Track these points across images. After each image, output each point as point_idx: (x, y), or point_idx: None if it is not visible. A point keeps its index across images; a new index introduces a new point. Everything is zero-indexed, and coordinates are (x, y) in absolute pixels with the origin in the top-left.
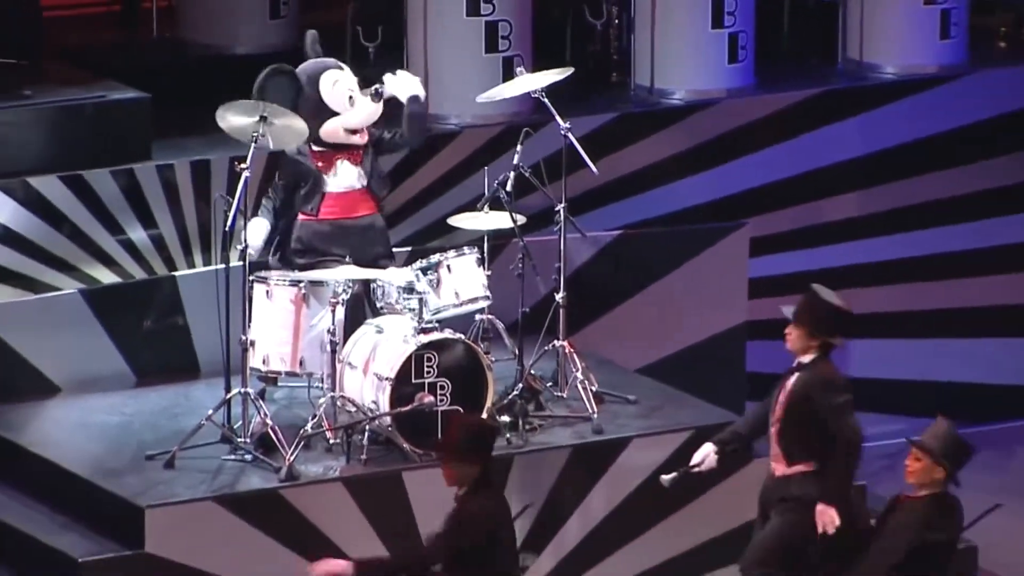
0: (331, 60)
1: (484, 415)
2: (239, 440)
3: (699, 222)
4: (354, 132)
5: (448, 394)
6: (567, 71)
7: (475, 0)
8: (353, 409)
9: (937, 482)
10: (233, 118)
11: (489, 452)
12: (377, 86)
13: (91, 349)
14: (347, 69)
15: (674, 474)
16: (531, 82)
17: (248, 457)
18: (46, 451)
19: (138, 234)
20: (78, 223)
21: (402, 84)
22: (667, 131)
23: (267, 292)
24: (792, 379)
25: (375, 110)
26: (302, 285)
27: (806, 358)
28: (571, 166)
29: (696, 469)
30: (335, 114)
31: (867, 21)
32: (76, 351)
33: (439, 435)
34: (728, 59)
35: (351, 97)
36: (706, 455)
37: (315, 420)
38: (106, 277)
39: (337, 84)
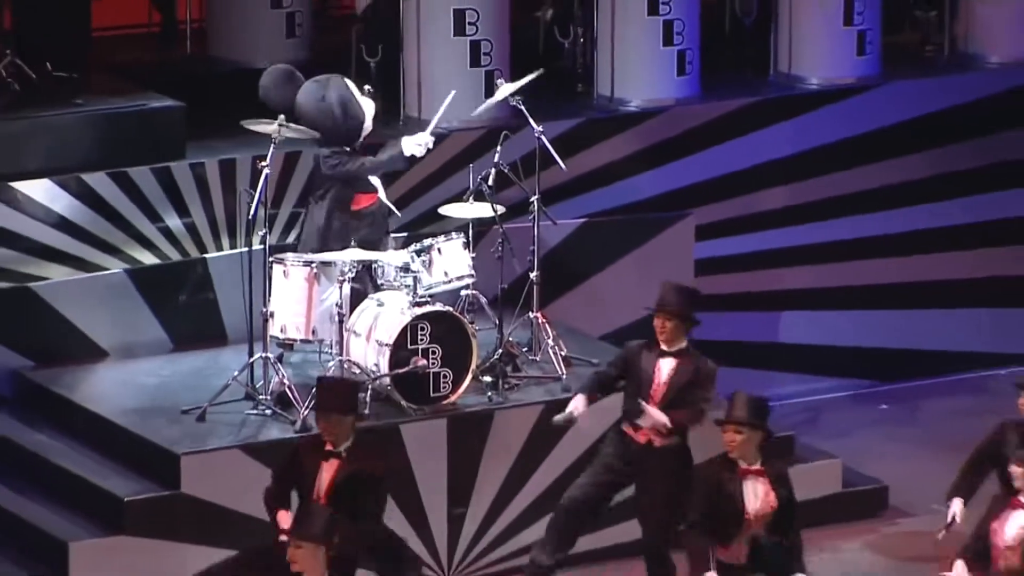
0: (345, 78)
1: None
2: (260, 397)
3: (652, 212)
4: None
5: (439, 358)
6: (539, 72)
7: (461, 22)
8: (358, 371)
9: (759, 447)
10: (262, 127)
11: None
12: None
13: (134, 320)
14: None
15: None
16: (510, 87)
17: (268, 412)
18: (96, 406)
19: (174, 222)
20: (123, 212)
21: (410, 145)
22: (625, 134)
23: (284, 271)
24: (672, 365)
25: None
26: (314, 265)
27: (680, 345)
28: (543, 163)
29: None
30: None
31: (795, 40)
32: (121, 321)
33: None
34: (677, 72)
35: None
36: (578, 404)
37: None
38: (147, 258)
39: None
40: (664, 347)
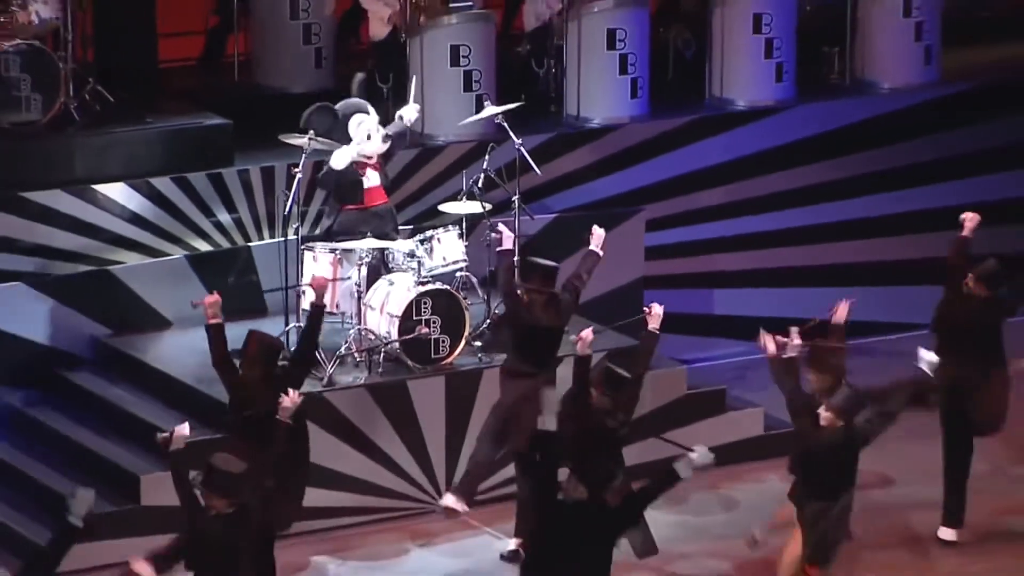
0: (363, 103)
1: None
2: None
3: (611, 208)
4: (368, 157)
5: (438, 327)
6: (519, 103)
7: (456, 55)
8: (373, 337)
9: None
10: (295, 140)
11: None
12: (387, 131)
13: (192, 296)
14: (372, 112)
15: None
16: (495, 110)
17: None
18: (161, 365)
19: (224, 217)
20: (183, 209)
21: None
22: (588, 146)
23: (313, 256)
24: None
25: (382, 147)
26: (337, 252)
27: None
28: (522, 170)
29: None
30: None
31: (725, 70)
32: (182, 297)
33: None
34: (631, 96)
35: (368, 135)
36: None
37: (347, 345)
38: (202, 246)
39: (360, 124)
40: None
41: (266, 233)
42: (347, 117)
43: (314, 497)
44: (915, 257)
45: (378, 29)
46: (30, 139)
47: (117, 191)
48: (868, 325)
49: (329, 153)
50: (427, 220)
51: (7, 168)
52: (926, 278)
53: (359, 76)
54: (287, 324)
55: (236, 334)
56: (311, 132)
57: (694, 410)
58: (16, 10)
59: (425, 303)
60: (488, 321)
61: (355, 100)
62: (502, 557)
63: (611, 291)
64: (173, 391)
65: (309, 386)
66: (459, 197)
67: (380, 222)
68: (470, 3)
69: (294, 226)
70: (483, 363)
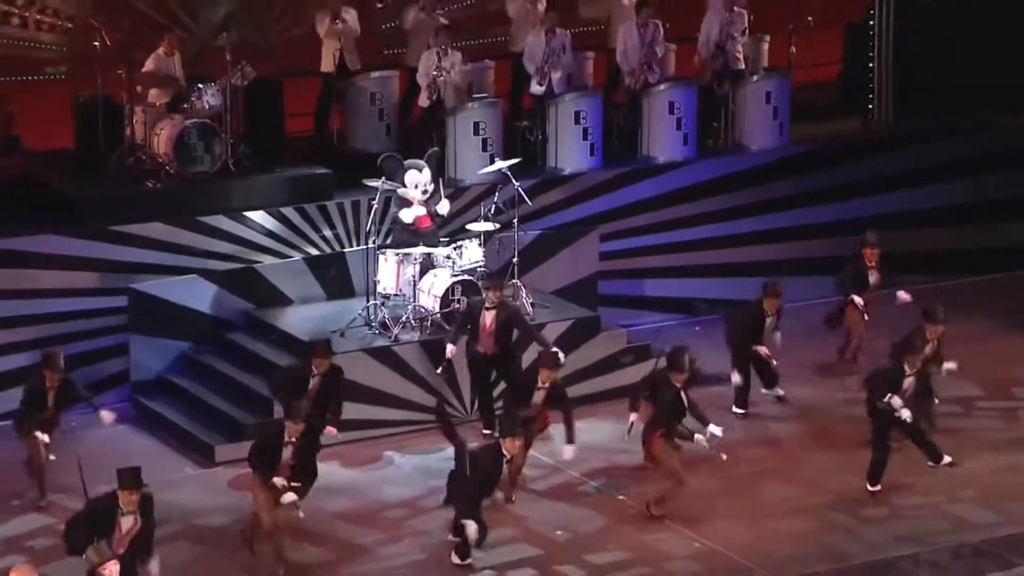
0: (420, 163)
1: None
2: (373, 324)
3: (576, 227)
4: (409, 202)
5: (464, 304)
6: (517, 159)
7: (476, 128)
8: (423, 310)
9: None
10: (373, 183)
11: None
12: (436, 208)
13: (306, 283)
14: (426, 170)
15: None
16: (502, 164)
17: (376, 332)
18: (287, 328)
19: (327, 232)
20: (300, 227)
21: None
22: (562, 187)
23: (385, 258)
24: (492, 314)
25: (422, 209)
26: (399, 255)
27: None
28: (519, 202)
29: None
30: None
31: (650, 137)
32: (299, 284)
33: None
34: (589, 154)
35: (416, 185)
36: (452, 350)
37: (406, 316)
38: (313, 251)
39: (413, 178)
40: (488, 305)
41: (354, 243)
42: (406, 169)
43: (384, 414)
44: (777, 258)
45: (424, 99)
46: (203, 183)
47: (258, 216)
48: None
49: (393, 191)
50: (458, 234)
51: (189, 202)
52: (786, 270)
53: (433, 150)
54: (367, 301)
55: (337, 308)
56: (383, 178)
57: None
58: (195, 100)
59: (457, 288)
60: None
61: (416, 160)
62: None
63: (577, 280)
64: (292, 344)
65: (384, 341)
66: (479, 219)
67: (427, 237)
68: (486, 95)
69: (372, 239)
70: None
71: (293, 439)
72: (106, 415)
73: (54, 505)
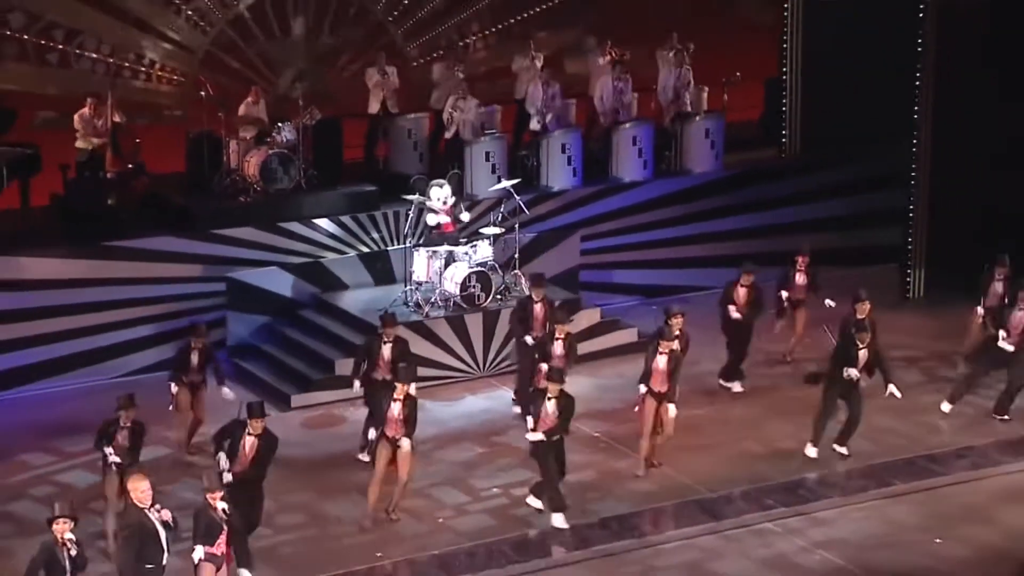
0: (442, 181)
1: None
2: (410, 304)
3: (563, 231)
4: (442, 208)
5: (479, 289)
6: (518, 180)
7: (487, 156)
8: (448, 293)
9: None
10: (410, 197)
11: None
12: (460, 216)
13: (359, 273)
14: (446, 186)
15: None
16: (507, 183)
17: (413, 310)
18: (345, 306)
19: (374, 235)
20: (354, 231)
21: (465, 216)
22: (552, 200)
23: (418, 254)
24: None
25: (446, 216)
26: (430, 251)
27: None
28: (520, 212)
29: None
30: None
31: (618, 163)
32: (354, 274)
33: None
34: (572, 175)
35: (439, 198)
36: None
37: (434, 298)
38: (364, 249)
39: (436, 193)
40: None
41: (395, 243)
42: (431, 185)
43: (420, 371)
44: (714, 254)
45: (449, 134)
46: (282, 198)
47: (323, 222)
48: (694, 286)
49: (424, 204)
50: (473, 236)
51: (271, 212)
52: (720, 264)
53: (454, 172)
54: (405, 287)
55: (382, 291)
56: (417, 194)
57: (604, 328)
58: (276, 135)
59: (473, 277)
60: (503, 285)
61: (439, 180)
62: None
63: (563, 271)
64: (349, 320)
65: (417, 317)
66: (489, 225)
67: (449, 238)
68: (495, 131)
69: (409, 240)
70: (501, 306)
71: (400, 398)
72: (227, 392)
73: (193, 445)
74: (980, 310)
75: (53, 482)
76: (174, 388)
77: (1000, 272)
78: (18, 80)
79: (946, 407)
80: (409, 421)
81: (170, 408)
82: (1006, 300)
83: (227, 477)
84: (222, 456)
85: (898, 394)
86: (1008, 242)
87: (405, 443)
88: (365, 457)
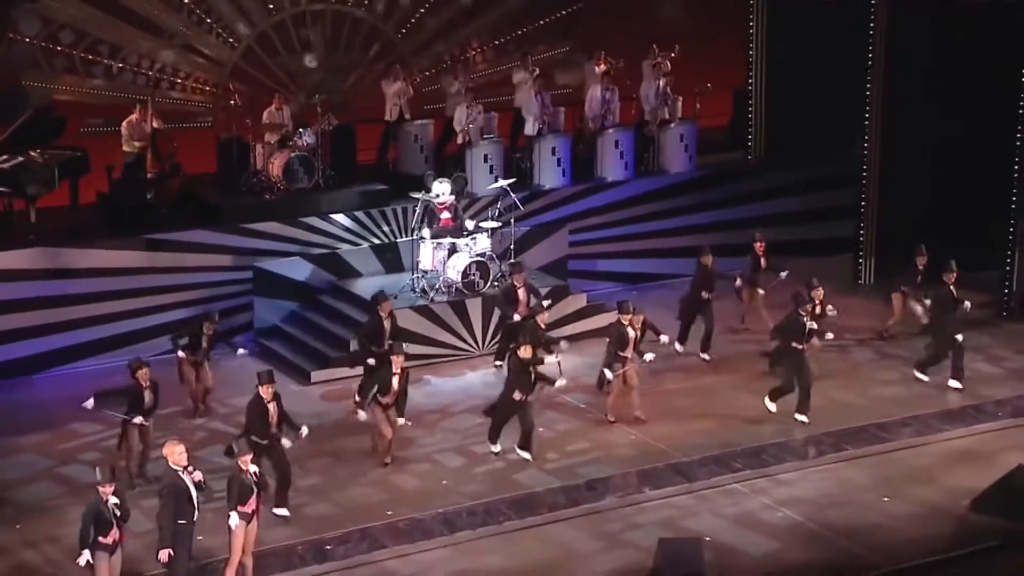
0: (445, 179)
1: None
2: (416, 290)
3: (553, 225)
4: (443, 205)
5: (478, 276)
6: (514, 179)
7: (486, 159)
8: (450, 280)
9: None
10: (418, 194)
11: None
12: (464, 223)
13: (371, 262)
14: (446, 183)
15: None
16: (503, 182)
17: (419, 295)
18: (357, 291)
19: (385, 228)
20: (367, 223)
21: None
22: (543, 198)
23: (424, 245)
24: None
25: (447, 213)
26: (435, 243)
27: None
28: (515, 208)
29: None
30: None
31: (603, 164)
32: (367, 263)
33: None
34: (562, 175)
35: (439, 194)
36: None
37: (438, 284)
38: (376, 241)
39: (437, 189)
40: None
41: (404, 235)
42: (435, 182)
43: (423, 350)
44: (688, 245)
45: (460, 139)
46: (303, 195)
47: (340, 217)
48: (671, 274)
49: (430, 201)
50: (474, 230)
51: (293, 208)
52: (693, 253)
53: (459, 175)
54: (412, 275)
55: (393, 278)
56: (424, 191)
57: (590, 312)
58: (297, 139)
59: (473, 265)
60: (500, 273)
61: (442, 178)
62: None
63: (553, 260)
64: (364, 305)
65: (423, 301)
66: (488, 219)
67: (452, 232)
68: (492, 135)
69: (416, 233)
70: (498, 292)
71: (398, 371)
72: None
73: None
74: (904, 288)
75: (100, 448)
76: (181, 355)
77: (920, 260)
78: (68, 91)
79: (922, 376)
80: (403, 396)
81: (191, 382)
82: (926, 280)
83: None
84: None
85: (829, 335)
86: (949, 234)
87: (400, 421)
88: (362, 416)
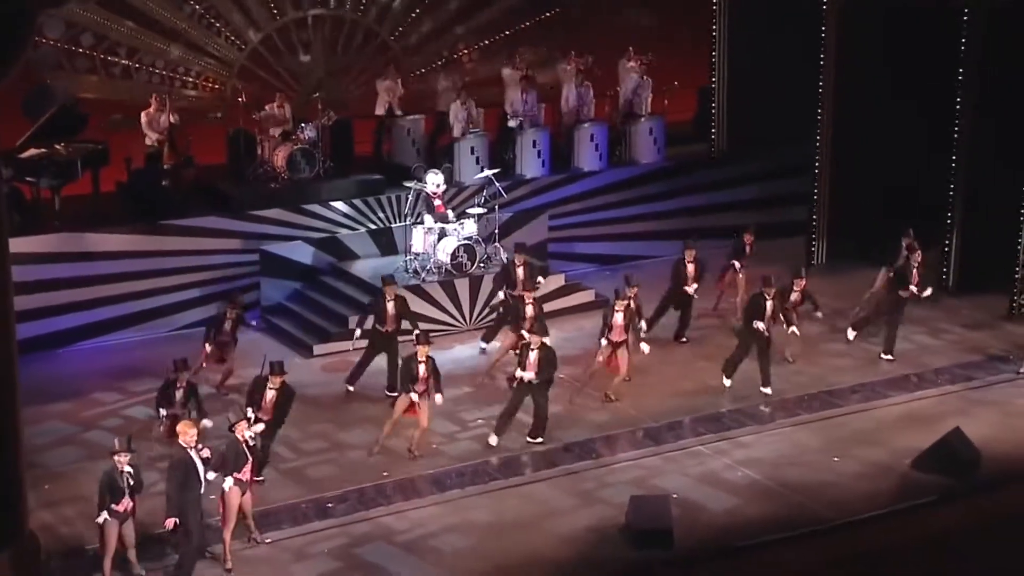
0: (436, 170)
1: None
2: (409, 270)
3: (534, 211)
4: (435, 193)
5: (466, 258)
6: (498, 170)
7: (473, 151)
8: (441, 262)
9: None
10: (409, 184)
11: None
12: (449, 215)
13: (368, 246)
14: (440, 174)
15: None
16: (488, 172)
17: (411, 275)
18: (355, 272)
19: (380, 215)
20: (365, 211)
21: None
22: (525, 186)
23: (416, 230)
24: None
25: (438, 200)
26: (426, 227)
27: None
28: (498, 196)
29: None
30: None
31: (579, 155)
32: (364, 246)
33: None
34: (542, 166)
35: (433, 184)
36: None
37: (429, 266)
38: (371, 226)
39: (431, 179)
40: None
41: (398, 221)
42: (427, 172)
43: (422, 325)
44: (657, 229)
45: (456, 132)
46: (304, 185)
47: (339, 204)
48: (643, 255)
49: (422, 190)
50: (462, 216)
51: (296, 196)
52: (662, 237)
53: (447, 165)
54: (405, 257)
55: (387, 260)
56: (416, 180)
57: (568, 290)
58: (299, 133)
59: (461, 249)
60: (486, 255)
61: (434, 169)
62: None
63: (534, 244)
64: (360, 284)
65: (415, 281)
66: (474, 206)
67: (442, 217)
68: (479, 129)
69: (409, 219)
70: (485, 271)
71: (424, 359)
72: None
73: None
74: (887, 270)
75: (120, 415)
76: (207, 348)
77: (905, 242)
78: (89, 89)
79: (886, 357)
80: (436, 376)
81: (201, 365)
82: (909, 262)
83: (258, 427)
84: (250, 411)
85: (797, 332)
86: (895, 220)
87: (438, 397)
88: (352, 388)
